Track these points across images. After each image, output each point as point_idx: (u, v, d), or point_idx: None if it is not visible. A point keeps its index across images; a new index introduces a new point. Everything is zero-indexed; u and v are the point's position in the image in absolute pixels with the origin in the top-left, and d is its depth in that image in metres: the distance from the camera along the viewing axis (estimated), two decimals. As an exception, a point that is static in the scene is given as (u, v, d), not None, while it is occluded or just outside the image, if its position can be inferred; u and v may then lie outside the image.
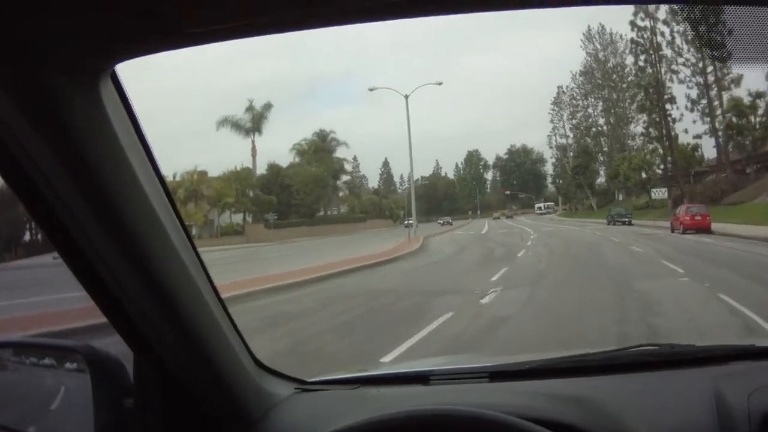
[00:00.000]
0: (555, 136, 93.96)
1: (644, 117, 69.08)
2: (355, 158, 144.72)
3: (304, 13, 0.93)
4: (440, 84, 43.25)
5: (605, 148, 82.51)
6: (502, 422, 1.13)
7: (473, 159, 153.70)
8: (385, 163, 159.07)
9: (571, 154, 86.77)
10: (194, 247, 1.31)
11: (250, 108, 64.93)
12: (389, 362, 6.62)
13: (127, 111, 1.09)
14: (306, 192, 68.25)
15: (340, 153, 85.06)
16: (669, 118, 57.86)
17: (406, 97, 45.46)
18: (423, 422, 1.17)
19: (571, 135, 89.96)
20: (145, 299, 1.22)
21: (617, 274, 16.18)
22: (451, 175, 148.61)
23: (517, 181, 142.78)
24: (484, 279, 16.47)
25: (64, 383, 1.55)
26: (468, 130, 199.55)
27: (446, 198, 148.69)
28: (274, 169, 71.08)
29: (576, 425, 1.32)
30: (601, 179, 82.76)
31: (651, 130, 61.31)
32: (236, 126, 64.12)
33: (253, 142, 65.68)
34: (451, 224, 74.62)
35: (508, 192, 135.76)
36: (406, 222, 69.20)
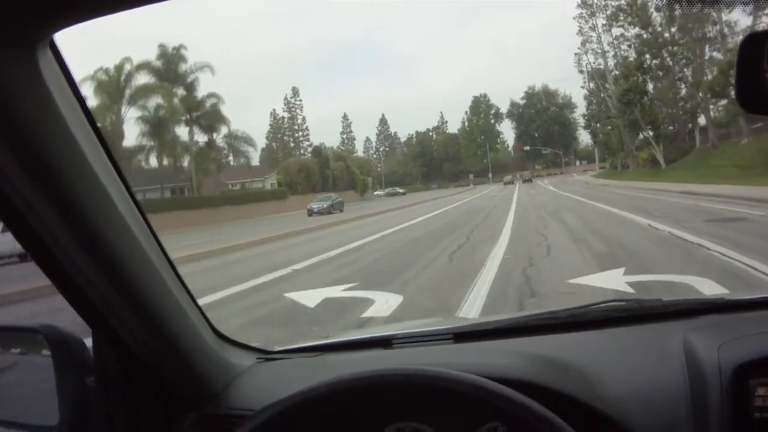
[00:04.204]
0: (586, 54, 59.23)
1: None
2: (345, 116, 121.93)
3: None
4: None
5: (669, 58, 47.40)
6: (454, 379, 1.13)
7: (481, 106, 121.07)
8: (383, 120, 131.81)
9: (613, 81, 52.21)
10: (147, 221, 1.27)
11: None
12: (353, 330, 5.19)
13: (69, 82, 1.06)
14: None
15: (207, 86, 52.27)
16: None
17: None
18: (378, 382, 1.17)
19: (611, 51, 55.14)
20: (96, 275, 1.21)
21: None
22: (458, 131, 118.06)
23: (538, 134, 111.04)
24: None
25: (26, 365, 1.58)
26: (477, 77, 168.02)
27: (448, 158, 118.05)
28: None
29: (541, 383, 1.30)
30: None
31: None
32: None
33: None
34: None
35: (527, 148, 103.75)
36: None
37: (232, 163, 54.68)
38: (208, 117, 46.35)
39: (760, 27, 28.75)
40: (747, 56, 1.14)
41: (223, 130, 47.77)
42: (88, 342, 1.38)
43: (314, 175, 61.39)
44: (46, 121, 1.00)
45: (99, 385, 1.37)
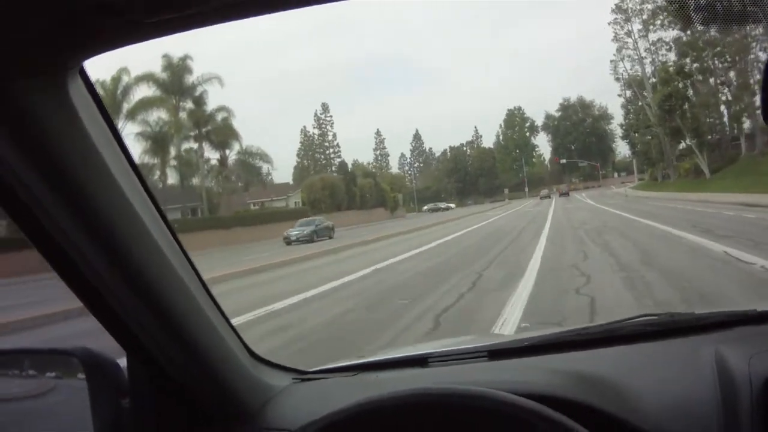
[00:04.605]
0: (623, 61, 56.05)
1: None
2: (378, 132, 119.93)
3: None
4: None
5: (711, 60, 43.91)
6: (488, 397, 1.16)
7: (515, 119, 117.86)
8: (416, 136, 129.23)
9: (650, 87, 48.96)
10: (179, 243, 1.29)
11: None
12: (388, 349, 4.52)
13: (99, 108, 1.10)
14: None
15: (216, 99, 50.44)
16: None
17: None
18: (416, 401, 1.19)
19: (648, 57, 51.95)
20: (130, 297, 1.23)
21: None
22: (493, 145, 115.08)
23: (575, 146, 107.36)
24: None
25: (61, 388, 1.58)
26: (510, 89, 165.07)
27: (483, 173, 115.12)
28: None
29: (575, 398, 1.33)
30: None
31: None
32: None
33: None
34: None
35: (563, 161, 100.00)
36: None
37: (264, 180, 52.53)
38: (219, 132, 44.00)
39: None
40: None
41: (236, 146, 45.68)
42: (122, 362, 1.38)
43: (339, 192, 59.04)
44: (76, 145, 1.02)
45: (133, 407, 1.37)
